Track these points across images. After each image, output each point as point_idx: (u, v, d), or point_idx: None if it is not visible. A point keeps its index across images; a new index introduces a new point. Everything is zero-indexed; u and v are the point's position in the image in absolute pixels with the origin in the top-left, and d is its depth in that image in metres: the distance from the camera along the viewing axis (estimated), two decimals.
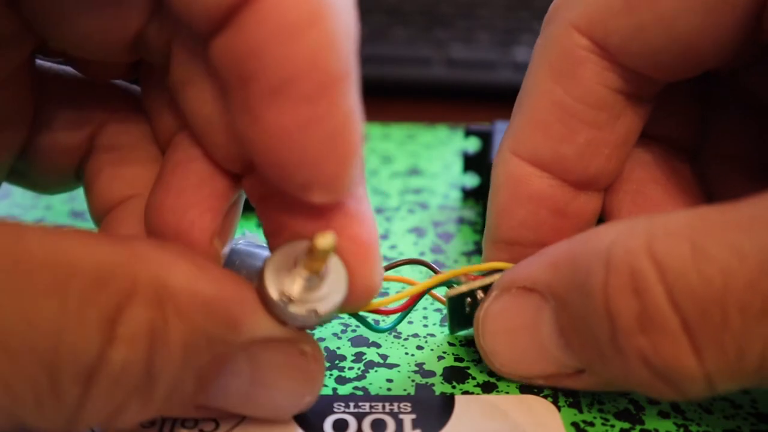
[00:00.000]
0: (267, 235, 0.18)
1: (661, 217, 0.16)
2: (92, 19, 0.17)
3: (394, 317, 0.22)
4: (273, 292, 0.16)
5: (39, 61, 0.20)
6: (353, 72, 0.15)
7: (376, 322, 0.22)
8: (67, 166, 0.21)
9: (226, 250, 0.19)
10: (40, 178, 0.21)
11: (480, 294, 0.21)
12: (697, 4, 0.17)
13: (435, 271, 0.22)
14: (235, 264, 0.20)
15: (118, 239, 0.16)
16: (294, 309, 0.16)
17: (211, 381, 0.16)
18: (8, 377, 0.13)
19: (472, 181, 0.33)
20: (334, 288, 0.17)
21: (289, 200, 0.17)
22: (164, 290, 0.15)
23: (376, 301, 0.19)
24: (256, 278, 0.17)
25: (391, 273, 0.21)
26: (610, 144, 0.19)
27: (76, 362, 0.14)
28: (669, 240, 0.15)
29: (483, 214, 0.29)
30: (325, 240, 0.16)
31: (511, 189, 0.20)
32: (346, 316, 0.23)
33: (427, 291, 0.21)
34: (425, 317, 0.24)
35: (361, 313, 0.20)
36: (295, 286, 0.16)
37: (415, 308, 0.24)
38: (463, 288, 0.21)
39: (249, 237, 0.21)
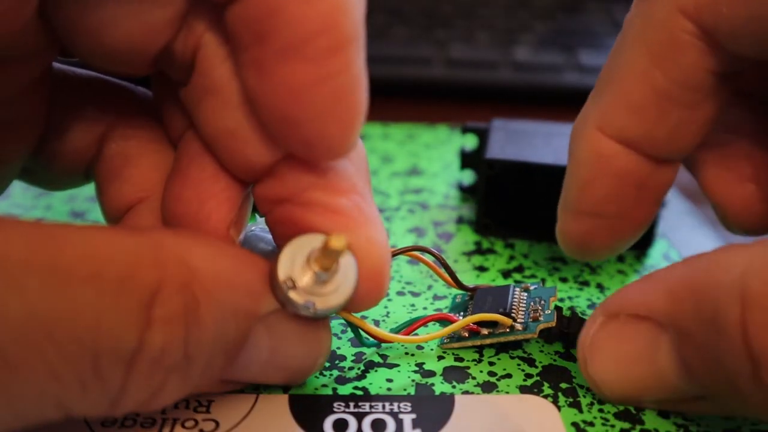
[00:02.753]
0: (277, 242, 0.19)
1: None
2: (122, 34, 0.18)
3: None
4: (281, 274, 0.17)
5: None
6: (362, 37, 0.16)
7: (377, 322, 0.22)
8: (78, 165, 0.21)
9: (240, 237, 0.20)
10: (50, 176, 0.22)
11: (464, 332, 0.22)
12: None
13: (438, 258, 0.23)
14: (249, 249, 0.20)
15: (139, 230, 0.16)
16: (293, 295, 0.17)
17: (237, 354, 0.17)
18: (55, 365, 0.14)
19: (469, 178, 0.33)
20: (339, 289, 0.17)
21: (299, 209, 0.18)
22: (190, 273, 0.15)
23: (380, 330, 0.20)
24: (271, 258, 0.17)
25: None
26: (700, 121, 0.20)
27: (117, 347, 0.14)
28: None
29: (478, 211, 0.29)
30: (338, 241, 0.16)
31: (597, 165, 0.20)
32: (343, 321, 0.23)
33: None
34: None
35: (356, 322, 0.20)
36: (303, 275, 0.17)
37: (415, 308, 0.24)
38: (456, 345, 0.22)
39: (261, 222, 0.21)
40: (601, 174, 0.20)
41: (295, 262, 0.17)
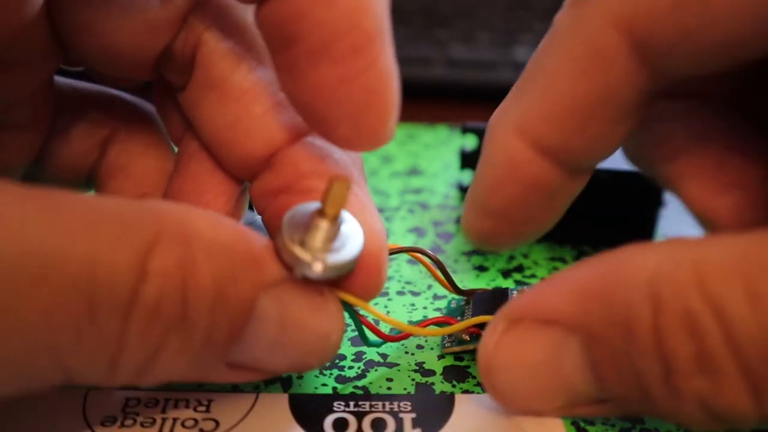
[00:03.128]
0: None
1: (705, 246, 0.16)
2: (126, 35, 0.18)
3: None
4: (286, 234, 0.16)
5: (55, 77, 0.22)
6: (387, 31, 0.16)
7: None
8: (80, 170, 0.22)
9: None
10: (51, 181, 0.22)
11: (464, 335, 0.21)
12: (763, 10, 0.15)
13: (432, 258, 0.23)
14: None
15: (138, 199, 0.16)
16: (302, 253, 0.16)
17: (242, 327, 0.16)
18: (49, 306, 0.14)
19: (469, 178, 0.33)
20: (346, 248, 0.17)
21: (297, 197, 0.18)
22: (189, 234, 0.15)
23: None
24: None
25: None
26: (620, 135, 0.19)
27: (112, 294, 0.14)
28: (721, 277, 0.15)
29: None
30: (342, 180, 0.16)
31: (509, 169, 0.19)
32: (346, 316, 0.23)
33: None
34: (425, 317, 0.24)
35: (359, 319, 0.20)
36: (309, 234, 0.17)
37: (415, 308, 0.24)
38: (457, 348, 0.21)
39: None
40: (511, 180, 0.19)
41: (298, 225, 0.17)
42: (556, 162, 0.19)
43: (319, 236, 0.17)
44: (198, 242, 0.15)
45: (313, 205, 0.17)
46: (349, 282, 0.18)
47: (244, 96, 0.19)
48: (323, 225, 0.17)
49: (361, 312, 0.20)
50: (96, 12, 0.18)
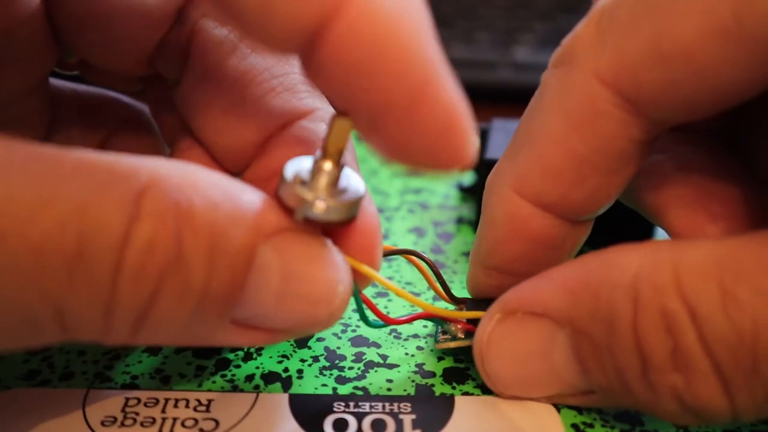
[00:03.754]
0: None
1: (685, 249, 0.16)
2: (125, 26, 0.19)
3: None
4: (287, 176, 0.16)
5: (53, 80, 0.22)
6: (440, 64, 0.15)
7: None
8: None
9: None
10: None
11: (459, 332, 0.21)
12: (743, 58, 0.16)
13: (426, 261, 0.22)
14: None
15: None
16: (303, 192, 0.16)
17: (243, 277, 0.16)
18: (37, 243, 0.13)
19: (469, 178, 0.33)
20: (348, 193, 0.17)
21: None
22: (184, 181, 0.15)
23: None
24: None
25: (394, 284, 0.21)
26: (618, 184, 0.19)
27: (103, 233, 0.14)
28: (697, 279, 0.16)
29: (478, 211, 0.29)
30: (344, 117, 0.16)
31: (510, 226, 0.20)
32: (346, 315, 0.23)
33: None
34: None
35: (362, 307, 0.20)
36: (311, 177, 0.16)
37: (415, 308, 0.24)
38: (452, 344, 0.21)
39: None
40: (514, 236, 0.20)
41: (300, 169, 0.17)
42: (557, 215, 0.19)
43: (321, 178, 0.16)
44: (193, 188, 0.15)
45: (305, 157, 0.17)
46: (348, 244, 0.18)
47: (237, 82, 0.19)
48: (325, 167, 0.16)
49: (364, 293, 0.20)
50: (94, 4, 0.18)
